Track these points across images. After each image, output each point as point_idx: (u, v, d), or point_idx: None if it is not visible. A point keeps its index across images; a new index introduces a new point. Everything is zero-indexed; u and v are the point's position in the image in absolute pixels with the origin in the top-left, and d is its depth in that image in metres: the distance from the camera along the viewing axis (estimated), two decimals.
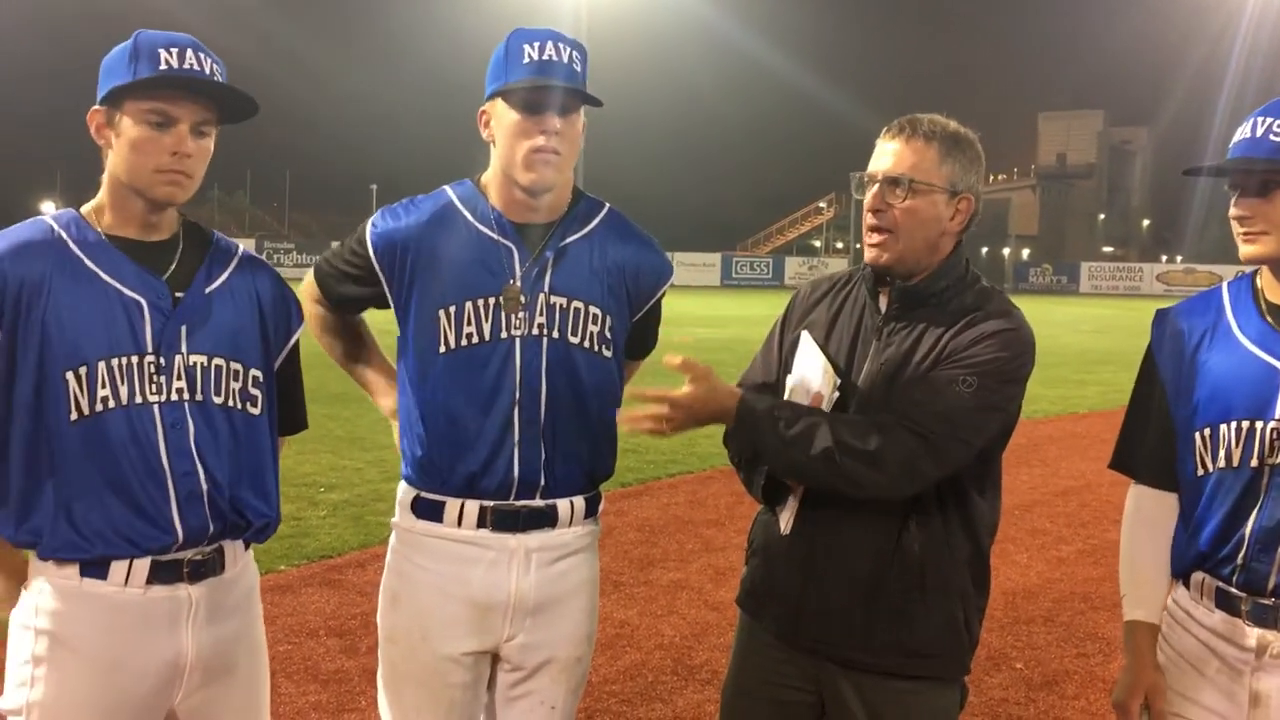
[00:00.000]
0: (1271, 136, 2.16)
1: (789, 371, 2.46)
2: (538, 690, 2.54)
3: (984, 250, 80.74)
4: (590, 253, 2.52)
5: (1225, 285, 2.39)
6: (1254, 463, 2.20)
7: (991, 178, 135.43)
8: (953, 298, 2.37)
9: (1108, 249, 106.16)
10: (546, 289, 2.46)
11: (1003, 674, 4.96)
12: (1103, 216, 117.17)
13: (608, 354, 2.52)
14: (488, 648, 2.50)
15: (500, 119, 2.44)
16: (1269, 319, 2.25)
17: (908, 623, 2.36)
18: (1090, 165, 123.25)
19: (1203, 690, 2.28)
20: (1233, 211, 2.21)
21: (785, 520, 2.41)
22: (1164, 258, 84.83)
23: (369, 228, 2.54)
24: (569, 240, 2.51)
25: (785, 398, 2.44)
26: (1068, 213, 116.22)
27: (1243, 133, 2.22)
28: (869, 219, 2.36)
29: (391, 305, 2.54)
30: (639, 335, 2.66)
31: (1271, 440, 2.18)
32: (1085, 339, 24.26)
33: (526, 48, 2.40)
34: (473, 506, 2.46)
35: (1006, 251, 79.91)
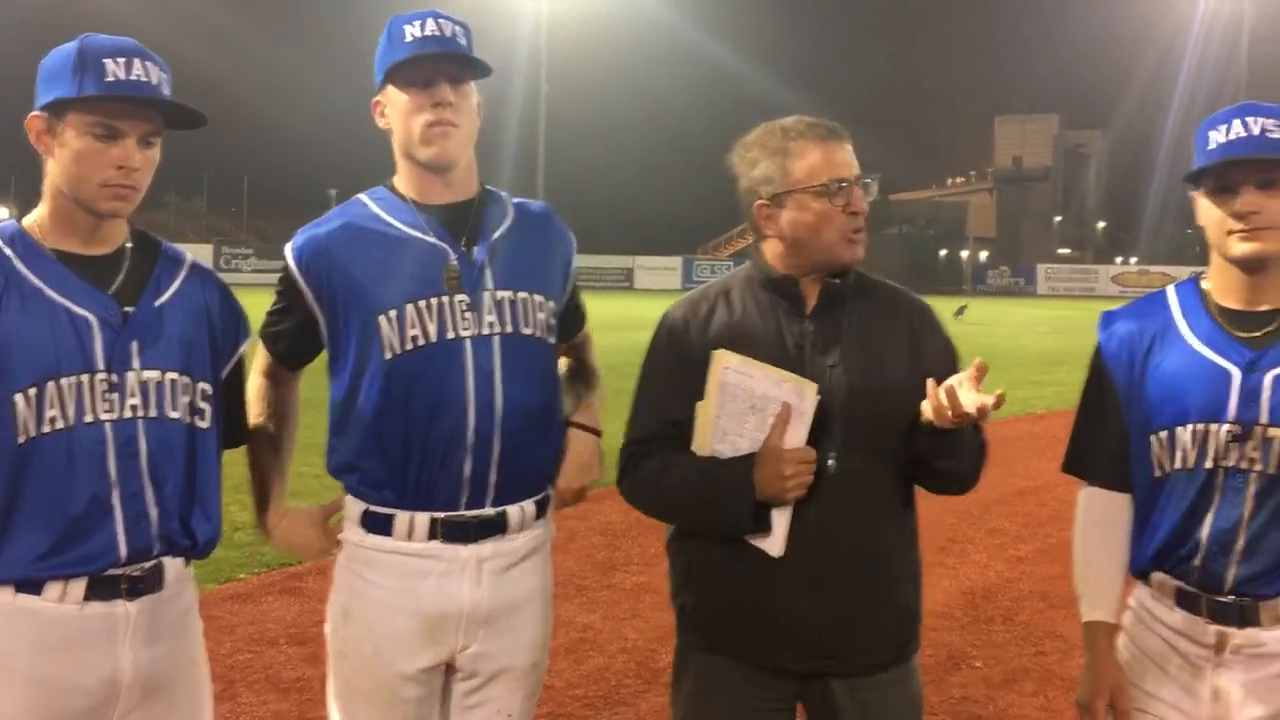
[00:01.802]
0: (1269, 134, 2.20)
1: (700, 397, 2.38)
2: (494, 699, 2.51)
3: (943, 252, 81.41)
4: (521, 242, 2.51)
5: (1170, 289, 2.43)
6: (1209, 464, 2.24)
7: (950, 180, 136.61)
8: (857, 285, 2.46)
9: (1064, 251, 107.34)
10: (491, 285, 2.42)
11: (963, 673, 5.01)
12: (1059, 219, 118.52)
13: (553, 342, 2.52)
14: (441, 660, 2.46)
15: (393, 102, 2.43)
16: (1219, 321, 2.29)
17: (896, 616, 2.44)
18: (1046, 168, 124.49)
19: (1165, 686, 2.33)
20: (1235, 207, 2.21)
21: (779, 543, 2.34)
22: (1119, 259, 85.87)
23: (288, 246, 2.49)
24: (498, 234, 2.49)
25: (715, 418, 2.37)
26: (1024, 215, 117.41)
27: (1235, 132, 2.23)
28: (857, 221, 2.38)
29: (324, 326, 2.46)
30: (570, 311, 2.65)
31: (1226, 442, 2.22)
32: (1042, 340, 24.54)
33: (407, 28, 2.40)
34: (423, 519, 2.41)
35: (965, 254, 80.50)
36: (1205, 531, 2.25)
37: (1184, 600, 2.30)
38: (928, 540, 8.29)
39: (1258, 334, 2.25)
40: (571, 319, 2.67)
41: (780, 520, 2.33)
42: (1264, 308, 2.27)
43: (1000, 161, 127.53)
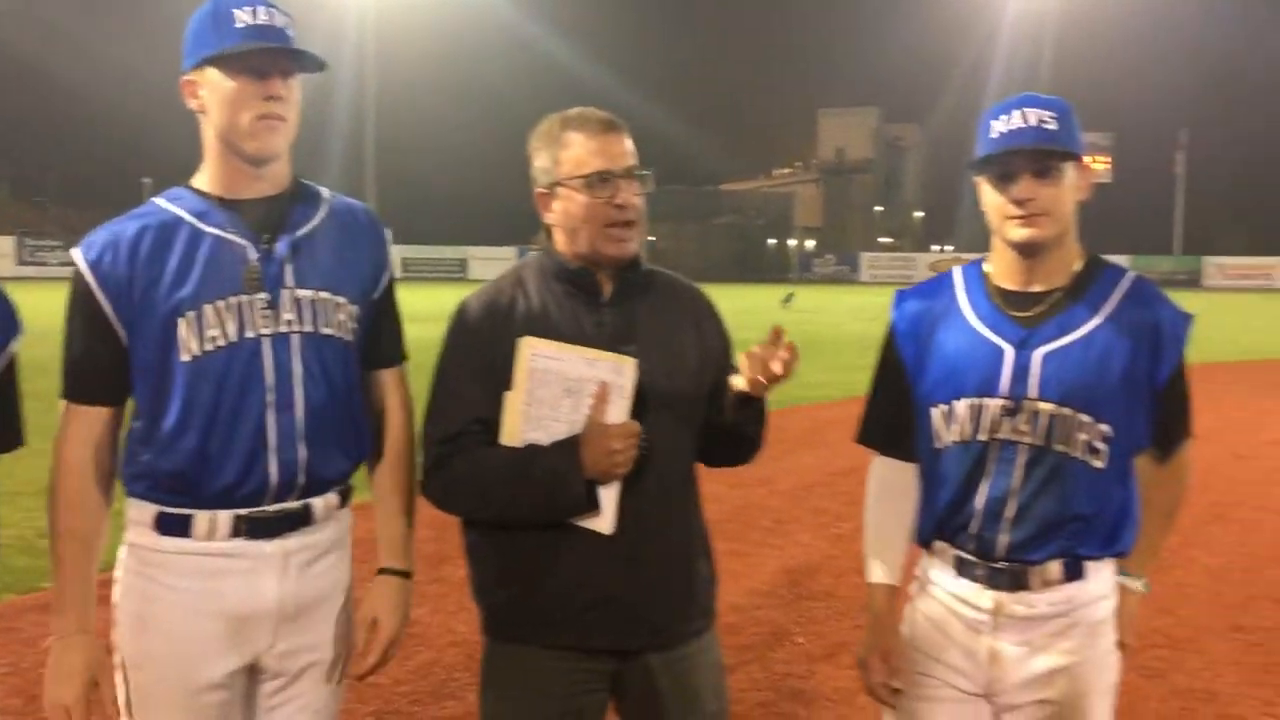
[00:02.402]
0: (1044, 125, 2.32)
1: (509, 388, 2.38)
2: (300, 695, 2.45)
3: (771, 241, 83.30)
4: (328, 239, 2.44)
5: (957, 270, 2.55)
6: (982, 437, 2.37)
7: (776, 171, 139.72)
8: (645, 274, 2.51)
9: (885, 240, 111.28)
10: (291, 283, 2.36)
11: (786, 649, 5.15)
12: (880, 209, 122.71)
13: (353, 342, 2.46)
14: (247, 661, 2.39)
15: (216, 87, 2.32)
16: (997, 302, 2.42)
17: (703, 586, 2.54)
18: (868, 160, 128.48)
19: (947, 650, 2.46)
20: (1014, 194, 2.32)
21: (609, 521, 2.36)
22: (936, 247, 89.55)
23: (79, 251, 2.33)
24: (303, 232, 2.41)
25: (525, 407, 2.37)
26: (848, 205, 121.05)
27: (1011, 123, 2.33)
28: (624, 214, 2.41)
29: (123, 337, 2.32)
30: (382, 327, 2.56)
31: (998, 416, 2.35)
32: (865, 326, 25.33)
33: (238, 12, 2.30)
34: (225, 517, 2.32)
35: (792, 243, 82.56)
36: (980, 501, 2.38)
37: (962, 568, 2.44)
38: (755, 523, 8.48)
39: (1030, 314, 2.38)
40: (385, 337, 2.58)
41: (609, 498, 2.36)
42: (1037, 289, 2.40)
43: (824, 153, 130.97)
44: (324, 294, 2.39)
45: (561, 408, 2.37)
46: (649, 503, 2.39)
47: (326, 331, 2.38)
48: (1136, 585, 2.52)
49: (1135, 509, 2.43)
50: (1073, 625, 2.38)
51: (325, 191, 2.54)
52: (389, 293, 2.59)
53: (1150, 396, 2.36)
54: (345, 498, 2.52)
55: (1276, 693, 4.72)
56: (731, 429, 2.49)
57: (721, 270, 62.89)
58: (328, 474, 2.42)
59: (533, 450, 2.37)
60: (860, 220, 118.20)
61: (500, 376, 2.38)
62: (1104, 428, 2.32)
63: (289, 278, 2.36)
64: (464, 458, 2.41)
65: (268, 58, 2.30)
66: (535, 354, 2.37)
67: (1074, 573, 2.37)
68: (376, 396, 2.59)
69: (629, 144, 2.45)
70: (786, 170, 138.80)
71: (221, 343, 2.30)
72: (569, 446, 2.33)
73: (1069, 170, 2.35)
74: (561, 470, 2.32)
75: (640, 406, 2.36)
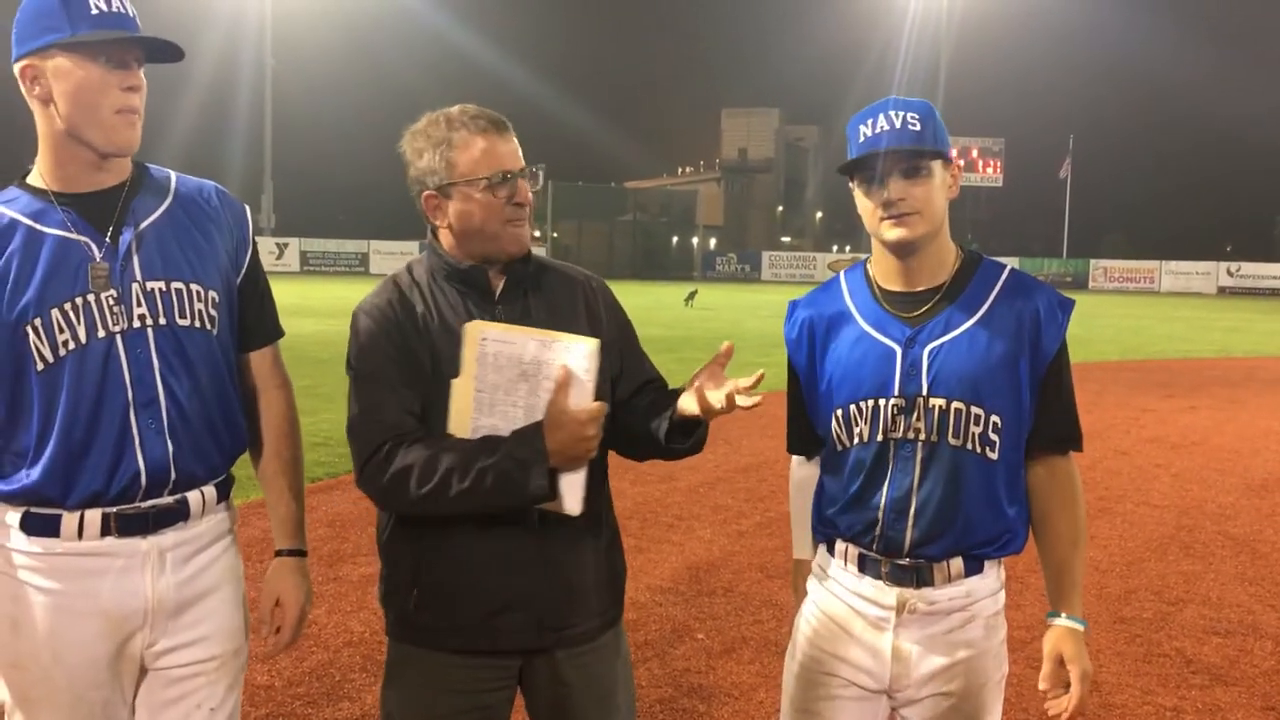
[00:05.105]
0: (910, 126, 2.35)
1: (435, 381, 2.33)
2: (192, 693, 2.39)
3: (675, 240, 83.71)
4: (176, 226, 2.37)
5: (842, 275, 2.59)
6: (880, 437, 2.41)
7: (680, 170, 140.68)
8: (536, 267, 2.48)
9: (786, 239, 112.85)
10: (140, 276, 2.29)
11: (685, 645, 5.17)
12: (781, 208, 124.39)
13: (215, 331, 2.39)
14: (129, 659, 2.33)
15: (67, 76, 2.21)
16: (883, 304, 2.46)
17: (614, 579, 2.54)
18: (769, 160, 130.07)
19: (850, 648, 2.48)
20: (884, 195, 2.35)
21: (578, 502, 2.30)
22: (835, 247, 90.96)
23: None
24: (149, 220, 2.34)
25: (476, 393, 2.30)
26: (750, 205, 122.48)
27: (880, 126, 2.37)
28: (521, 212, 2.39)
29: None
30: (251, 309, 2.50)
31: (893, 415, 2.39)
32: (766, 323, 25.64)
33: None
34: (94, 516, 2.26)
35: (695, 241, 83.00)
36: (882, 499, 2.42)
37: (865, 566, 2.47)
38: (656, 519, 8.51)
39: (915, 314, 2.43)
40: (255, 318, 2.52)
41: (575, 480, 2.29)
42: (919, 288, 2.44)
43: (727, 153, 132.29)
44: (177, 284, 2.32)
45: (518, 392, 2.30)
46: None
47: (183, 323, 2.32)
48: (1079, 626, 2.44)
49: (1026, 512, 2.47)
50: (971, 619, 2.43)
51: (172, 175, 2.46)
52: (253, 272, 2.52)
53: (1033, 380, 2.39)
54: (223, 491, 2.46)
55: (1156, 682, 4.90)
56: (665, 447, 2.43)
57: (626, 267, 62.89)
58: (200, 468, 2.37)
59: (492, 440, 2.28)
60: (762, 219, 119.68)
61: (423, 371, 2.34)
62: (995, 419, 2.36)
63: (137, 271, 2.29)
64: (416, 448, 2.29)
65: (125, 47, 2.23)
66: (485, 338, 2.30)
67: (974, 568, 2.42)
68: (252, 379, 2.53)
69: (516, 141, 2.42)
70: (689, 169, 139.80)
71: (73, 346, 2.23)
72: (532, 435, 2.26)
73: (937, 169, 2.38)
74: (527, 460, 2.24)
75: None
